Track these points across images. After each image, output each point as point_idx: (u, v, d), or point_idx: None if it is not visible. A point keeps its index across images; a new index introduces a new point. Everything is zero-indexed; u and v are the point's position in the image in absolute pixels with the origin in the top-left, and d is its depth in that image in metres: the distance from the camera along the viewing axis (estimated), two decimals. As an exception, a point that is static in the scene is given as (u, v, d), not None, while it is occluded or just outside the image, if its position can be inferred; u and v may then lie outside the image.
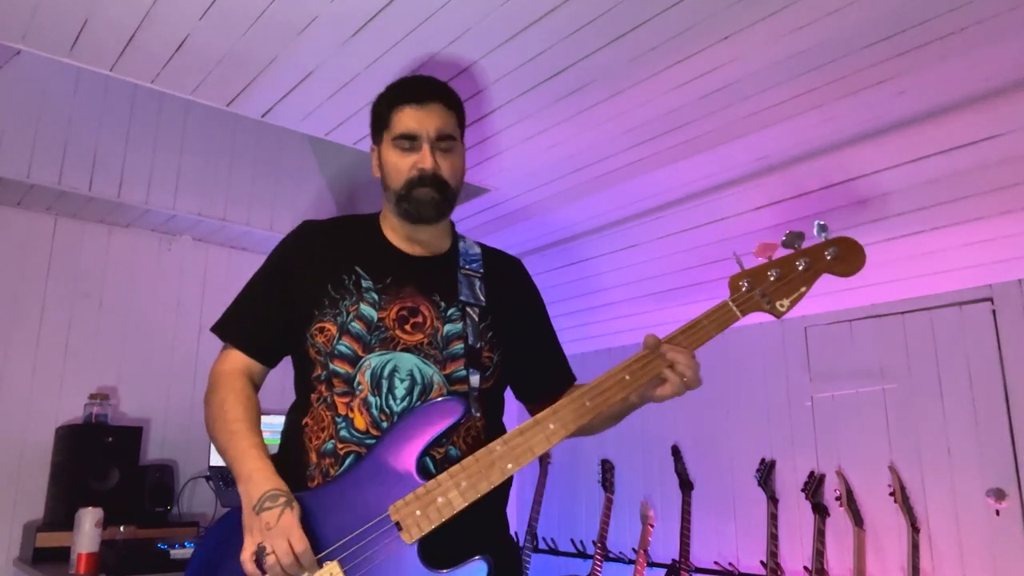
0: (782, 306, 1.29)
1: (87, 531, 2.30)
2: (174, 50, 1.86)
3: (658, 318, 3.26)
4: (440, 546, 1.19)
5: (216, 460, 2.93)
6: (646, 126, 2.22)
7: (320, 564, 1.18)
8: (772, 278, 1.29)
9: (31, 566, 2.43)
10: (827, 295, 2.88)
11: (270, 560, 1.15)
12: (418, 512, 1.18)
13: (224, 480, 2.89)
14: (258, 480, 1.21)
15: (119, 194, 2.75)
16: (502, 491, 1.34)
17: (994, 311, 2.55)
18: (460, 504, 1.18)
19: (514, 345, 1.43)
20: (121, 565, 2.25)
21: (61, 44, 1.84)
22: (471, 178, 2.60)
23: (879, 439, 2.76)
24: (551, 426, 1.22)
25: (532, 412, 1.46)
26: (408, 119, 1.35)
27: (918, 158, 2.18)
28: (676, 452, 3.31)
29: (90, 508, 2.34)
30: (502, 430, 1.35)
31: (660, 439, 3.42)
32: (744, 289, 1.30)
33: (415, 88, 1.39)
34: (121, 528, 2.45)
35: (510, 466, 1.20)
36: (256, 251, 3.39)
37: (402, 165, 1.35)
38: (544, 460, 3.59)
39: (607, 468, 3.44)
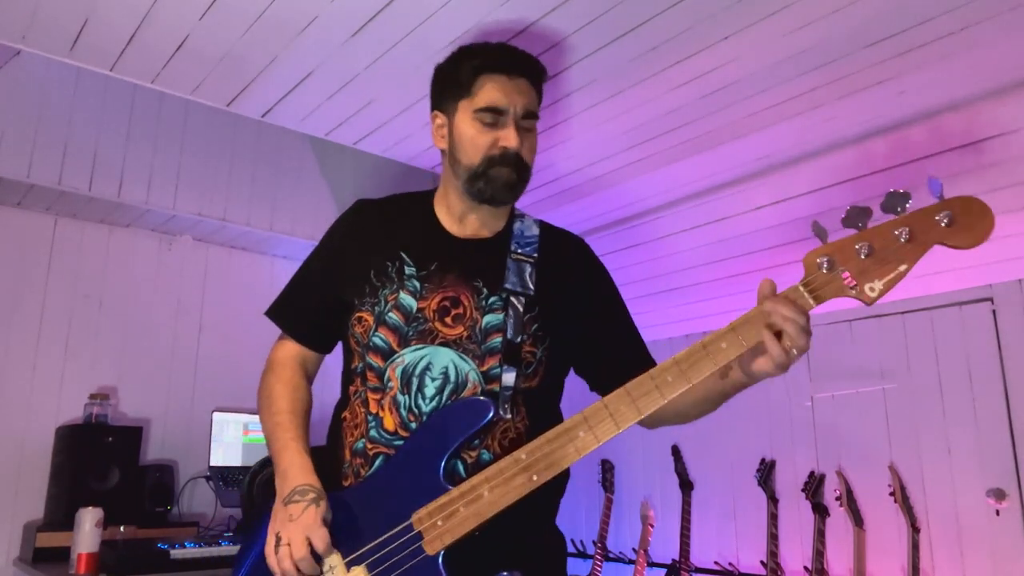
0: (872, 290, 1.02)
1: (87, 531, 2.30)
2: (174, 50, 1.86)
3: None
4: (471, 554, 1.14)
5: (216, 460, 2.93)
6: (646, 126, 2.22)
7: (348, 568, 1.16)
8: (862, 254, 1.02)
9: (31, 566, 2.42)
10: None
11: (282, 551, 1.14)
12: (440, 523, 1.12)
13: (224, 480, 2.89)
14: (293, 475, 1.21)
15: (119, 194, 2.75)
16: (548, 492, 1.21)
17: (994, 311, 2.55)
18: (482, 516, 1.11)
19: (571, 335, 1.32)
20: (121, 565, 2.25)
21: (61, 44, 1.84)
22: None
23: (879, 439, 2.76)
24: (580, 434, 1.11)
25: None
26: (496, 91, 1.24)
27: (917, 158, 2.18)
28: (676, 452, 3.30)
29: (90, 508, 2.33)
30: None
31: (660, 439, 3.42)
32: (824, 269, 1.04)
33: (507, 57, 1.28)
34: (121, 528, 2.45)
35: (535, 478, 1.11)
36: (256, 251, 3.38)
37: (481, 140, 1.25)
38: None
39: (607, 468, 3.44)
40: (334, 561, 1.16)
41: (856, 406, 2.84)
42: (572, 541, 3.53)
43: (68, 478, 2.60)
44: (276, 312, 1.42)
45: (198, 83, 2.02)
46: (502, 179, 1.25)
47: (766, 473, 2.94)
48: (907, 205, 1.01)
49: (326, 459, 1.28)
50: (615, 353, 1.36)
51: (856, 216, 1.01)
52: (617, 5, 1.66)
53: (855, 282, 1.03)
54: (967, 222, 1.02)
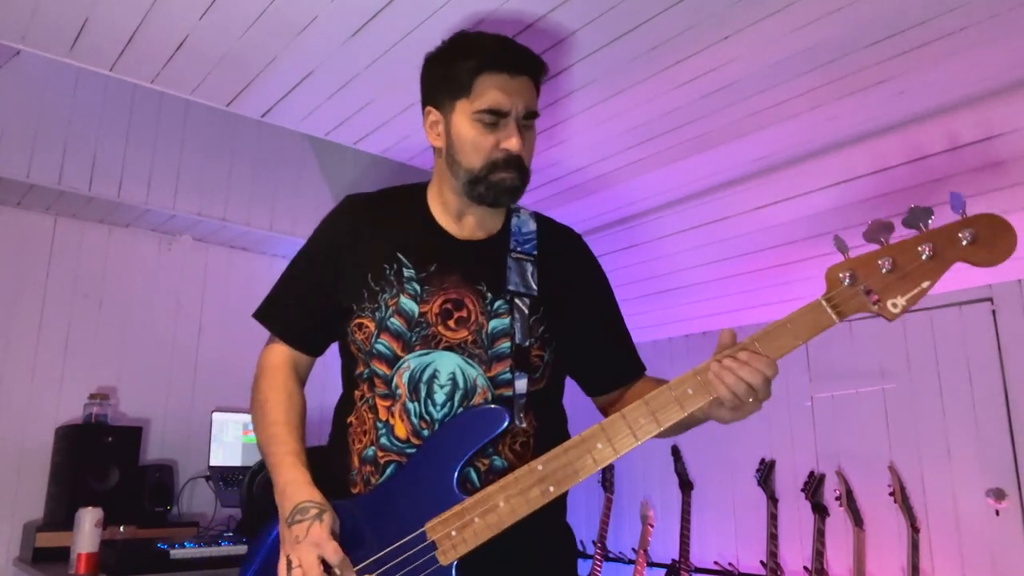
0: (895, 306, 1.01)
1: (87, 531, 2.30)
2: (174, 50, 1.86)
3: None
4: (483, 564, 1.12)
5: (216, 460, 2.93)
6: (646, 126, 2.22)
7: None
8: (884, 270, 1.01)
9: (31, 566, 2.42)
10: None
11: (296, 574, 1.11)
12: (454, 533, 1.11)
13: (224, 480, 2.89)
14: (291, 493, 1.16)
15: (119, 194, 2.75)
16: (557, 502, 1.20)
17: (994, 311, 2.55)
18: (498, 527, 1.10)
19: (571, 336, 1.30)
20: (121, 565, 2.25)
21: (61, 44, 1.84)
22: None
23: (879, 439, 2.76)
24: (599, 446, 1.10)
25: (599, 406, 1.39)
26: (498, 92, 1.18)
27: (918, 158, 2.18)
28: (676, 452, 3.30)
29: (90, 508, 2.33)
30: (559, 435, 1.25)
31: (660, 439, 3.41)
32: (846, 284, 1.02)
33: (508, 54, 1.21)
34: (121, 528, 2.45)
35: (552, 488, 1.10)
36: (256, 251, 3.38)
37: (483, 143, 1.20)
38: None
39: (607, 468, 3.43)
40: (345, 570, 1.14)
41: (856, 406, 2.84)
42: (572, 541, 3.53)
43: (68, 478, 2.60)
44: (265, 314, 1.36)
45: (198, 83, 2.02)
46: (504, 184, 1.21)
47: (766, 473, 2.94)
48: (929, 221, 1.00)
49: (329, 461, 1.26)
50: (607, 356, 1.36)
51: (878, 230, 1.01)
52: (617, 5, 1.66)
53: (878, 298, 1.02)
54: (989, 239, 0.98)
